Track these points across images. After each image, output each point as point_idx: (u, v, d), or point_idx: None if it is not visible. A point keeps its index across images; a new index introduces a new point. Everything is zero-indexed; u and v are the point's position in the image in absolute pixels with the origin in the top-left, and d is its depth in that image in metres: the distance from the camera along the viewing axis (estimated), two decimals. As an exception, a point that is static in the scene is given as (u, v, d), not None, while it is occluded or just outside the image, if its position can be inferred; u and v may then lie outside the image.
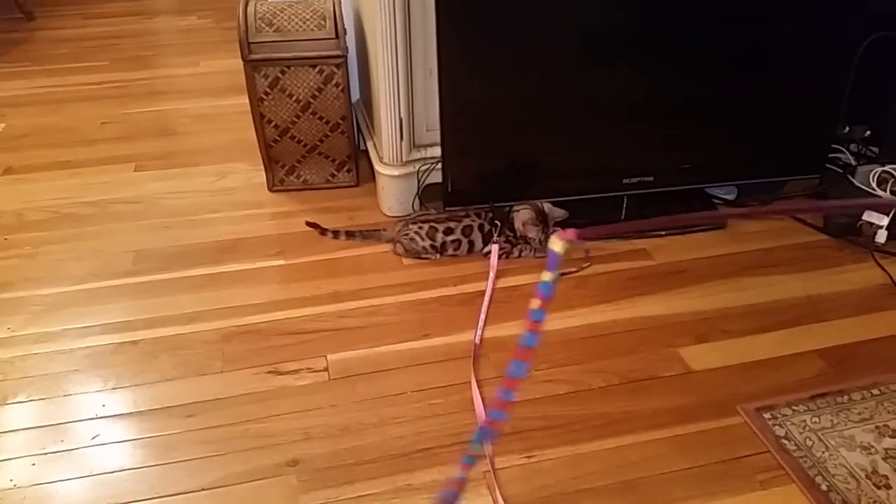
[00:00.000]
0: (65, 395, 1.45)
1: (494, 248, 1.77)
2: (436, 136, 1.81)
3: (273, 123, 2.01)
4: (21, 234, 1.94)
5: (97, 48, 3.18)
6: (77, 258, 1.84)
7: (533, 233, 1.76)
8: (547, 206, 1.79)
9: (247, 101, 1.98)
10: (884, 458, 1.25)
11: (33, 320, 1.64)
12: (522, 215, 1.77)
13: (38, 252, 1.87)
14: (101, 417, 1.40)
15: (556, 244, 0.69)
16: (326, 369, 1.50)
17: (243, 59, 1.92)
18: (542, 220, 1.77)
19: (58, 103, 2.68)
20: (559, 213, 1.79)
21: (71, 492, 1.26)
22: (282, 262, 1.82)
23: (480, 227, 1.81)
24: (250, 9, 1.93)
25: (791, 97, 1.83)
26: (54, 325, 1.62)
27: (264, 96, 1.96)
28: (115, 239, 1.91)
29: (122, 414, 1.41)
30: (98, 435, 1.37)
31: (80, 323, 1.63)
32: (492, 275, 1.72)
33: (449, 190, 1.82)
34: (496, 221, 1.80)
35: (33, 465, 1.31)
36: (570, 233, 0.69)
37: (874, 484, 1.21)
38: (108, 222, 1.99)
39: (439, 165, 1.85)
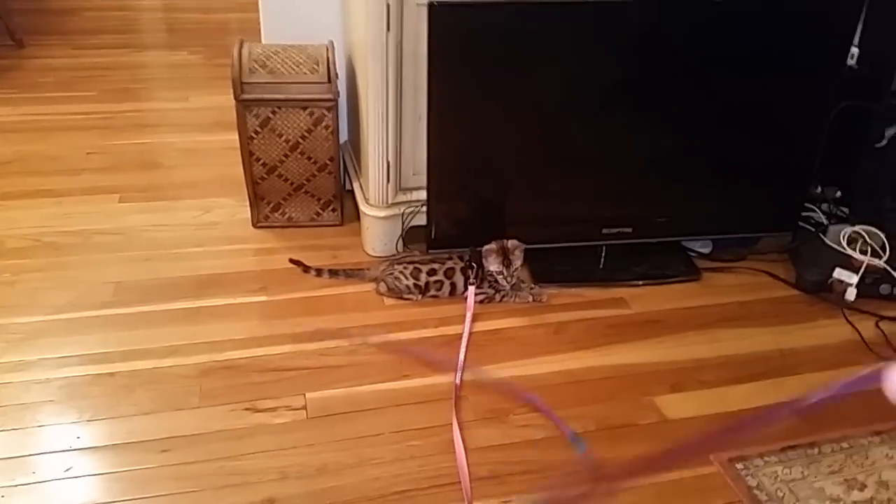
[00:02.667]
0: (38, 426, 1.44)
1: (471, 290, 1.79)
2: (422, 179, 1.84)
3: (261, 161, 2.03)
4: (1, 262, 1.92)
5: (86, 78, 3.19)
6: (56, 287, 1.83)
7: (494, 265, 1.79)
8: (510, 242, 1.81)
9: (234, 137, 2.00)
10: (852, 512, 1.28)
11: (9, 349, 1.62)
12: (486, 251, 1.80)
13: (18, 280, 1.86)
14: (74, 450, 1.39)
15: None
16: (305, 408, 1.50)
17: (235, 99, 1.94)
18: (502, 252, 1.79)
19: (44, 132, 2.68)
20: (512, 244, 1.80)
21: (40, 525, 1.24)
22: (264, 298, 1.83)
23: (463, 270, 1.83)
24: (245, 50, 1.97)
25: (766, 157, 1.89)
26: (31, 355, 1.61)
27: (254, 135, 1.99)
28: (96, 270, 1.91)
29: (97, 447, 1.40)
30: (71, 468, 1.35)
31: (57, 353, 1.61)
32: (468, 316, 1.74)
33: (433, 233, 1.85)
34: (473, 264, 1.83)
35: (2, 497, 1.28)
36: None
37: (843, 537, 1.23)
38: (89, 253, 1.98)
39: (424, 208, 1.88)
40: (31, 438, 1.41)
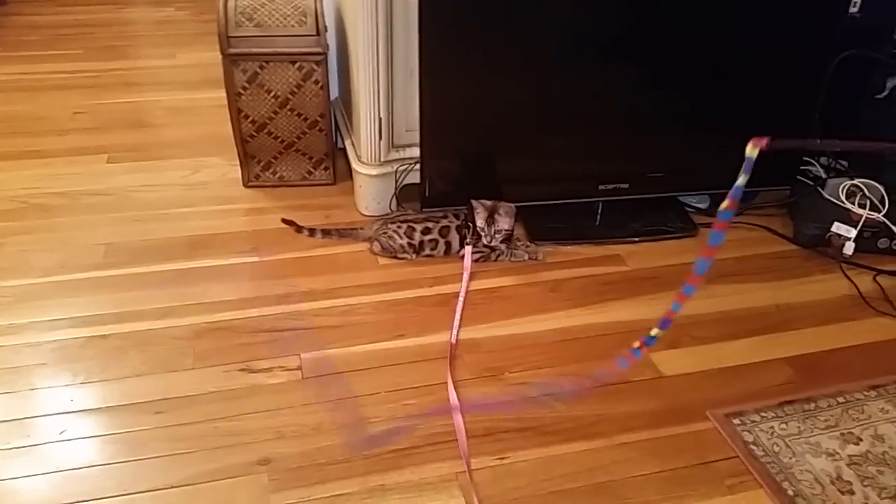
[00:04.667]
0: (31, 389, 1.43)
1: (468, 249, 1.77)
2: (415, 136, 1.81)
3: (250, 119, 1.99)
4: (-12, 224, 1.90)
5: (71, 36, 3.12)
6: (46, 250, 1.81)
7: (479, 220, 1.77)
8: (499, 203, 1.79)
9: (223, 94, 1.96)
10: (848, 465, 1.28)
11: (0, 312, 1.60)
12: (475, 205, 1.78)
13: (6, 242, 1.83)
14: (68, 412, 1.38)
15: (751, 149, 0.78)
16: (300, 368, 1.49)
17: (222, 53, 1.90)
18: (490, 210, 1.77)
19: (29, 91, 2.63)
20: (501, 204, 1.78)
21: (37, 488, 1.24)
22: (256, 258, 1.81)
23: (458, 229, 1.81)
24: (230, 3, 1.91)
25: (764, 109, 1.86)
26: (21, 318, 1.59)
27: (242, 91, 1.95)
28: (86, 231, 1.88)
29: (91, 409, 1.39)
30: (65, 430, 1.34)
31: (48, 316, 1.60)
32: (465, 276, 1.73)
33: (426, 191, 1.82)
34: (469, 223, 1.81)
35: (-2, 459, 1.28)
36: (763, 140, 0.77)
37: (839, 489, 1.23)
38: (78, 214, 1.96)
39: (418, 166, 1.85)
40: (25, 402, 1.40)
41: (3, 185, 2.06)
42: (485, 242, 1.78)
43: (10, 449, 1.30)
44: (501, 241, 1.78)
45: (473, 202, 1.78)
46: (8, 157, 2.21)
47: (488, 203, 1.77)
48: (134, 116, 2.50)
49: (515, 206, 1.80)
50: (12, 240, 1.84)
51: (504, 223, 1.77)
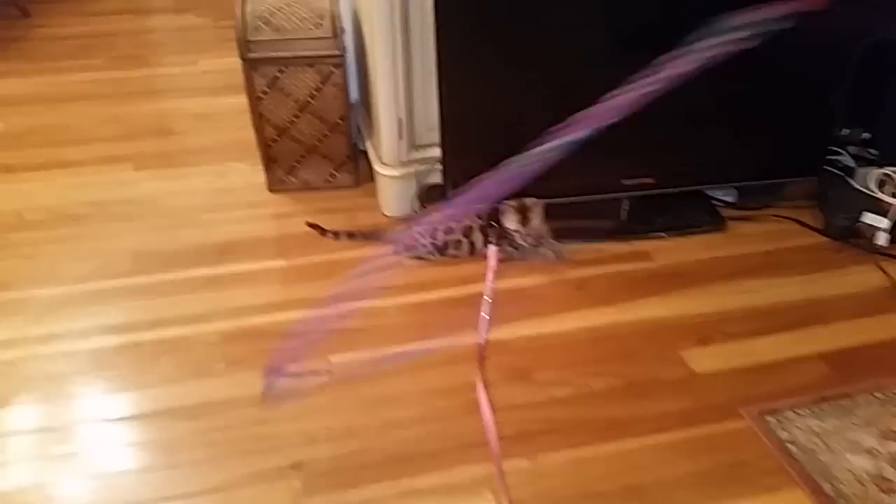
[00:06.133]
0: (67, 397, 1.45)
1: (492, 249, 1.77)
2: (436, 135, 1.81)
3: (272, 123, 2.00)
4: (20, 234, 1.92)
5: (94, 46, 3.15)
6: (77, 258, 1.83)
7: (511, 223, 1.76)
8: (528, 200, 1.78)
9: (245, 99, 1.97)
10: (889, 463, 1.26)
11: (34, 321, 1.63)
12: (504, 208, 1.77)
13: (38, 252, 1.86)
14: (104, 419, 1.40)
15: None
16: (329, 371, 1.49)
17: (241, 58, 1.91)
18: (520, 209, 1.76)
19: (55, 102, 2.66)
20: (530, 202, 1.77)
21: (76, 495, 1.26)
22: (283, 263, 1.82)
23: (481, 229, 1.81)
24: (248, 7, 1.92)
25: (790, 99, 1.83)
26: (55, 326, 1.61)
27: (262, 95, 1.96)
28: (115, 239, 1.90)
29: (125, 416, 1.41)
30: (101, 437, 1.36)
31: (81, 324, 1.62)
32: (490, 276, 1.72)
33: (449, 191, 1.82)
34: (493, 223, 1.80)
35: (38, 468, 1.30)
36: None
37: (880, 489, 1.21)
38: (107, 222, 1.98)
39: (439, 166, 1.85)
40: (63, 409, 1.42)
41: (33, 196, 2.09)
42: (521, 242, 1.77)
43: (49, 456, 1.32)
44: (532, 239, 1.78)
45: (502, 205, 1.77)
46: (37, 167, 2.23)
47: (515, 202, 1.77)
48: (158, 124, 2.52)
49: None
50: (44, 249, 1.87)
51: (537, 217, 1.76)
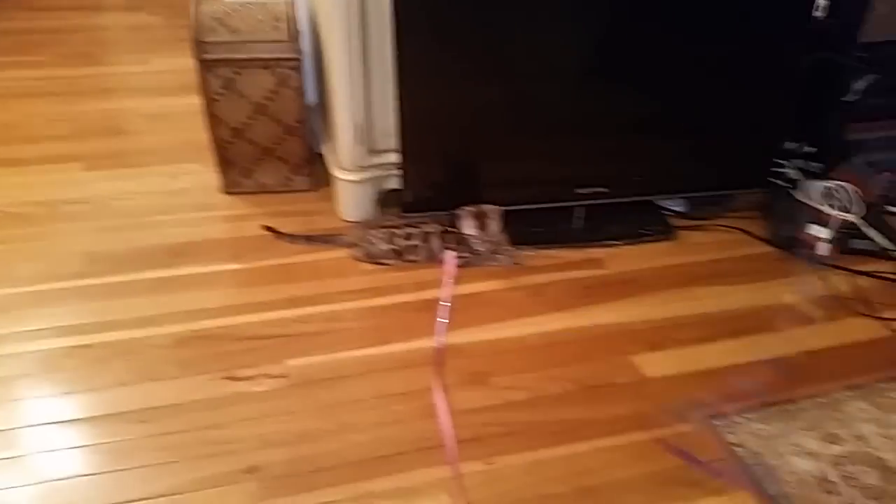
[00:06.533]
0: (15, 400, 1.41)
1: (450, 254, 1.78)
2: (394, 141, 1.81)
3: (227, 125, 1.98)
4: (-36, 234, 1.87)
5: (42, 42, 3.08)
6: (25, 259, 1.78)
7: (469, 228, 1.78)
8: (486, 206, 1.80)
9: (199, 100, 1.95)
10: (831, 465, 1.31)
11: (-22, 323, 1.58)
12: (462, 214, 1.79)
13: (-17, 252, 1.81)
14: (52, 423, 1.36)
15: None
16: (284, 375, 1.49)
17: (196, 59, 1.88)
18: (478, 215, 1.78)
19: (1, 98, 2.58)
20: (488, 208, 1.79)
21: (22, 499, 1.22)
22: (237, 266, 1.80)
23: (439, 234, 1.82)
24: (203, 7, 1.89)
25: (737, 113, 1.89)
26: (2, 328, 1.57)
27: (217, 97, 1.93)
28: (65, 240, 1.86)
29: (75, 419, 1.37)
30: (50, 441, 1.33)
31: (29, 326, 1.58)
32: (447, 281, 1.74)
33: (408, 196, 1.83)
34: (450, 228, 1.81)
35: (-19, 472, 1.26)
36: None
37: (824, 490, 1.26)
38: (56, 223, 1.93)
39: (397, 171, 1.85)
40: (9, 413, 1.38)
41: (-24, 195, 2.03)
42: (478, 248, 1.79)
43: (-6, 461, 1.28)
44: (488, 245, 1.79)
45: (459, 211, 1.78)
46: (-19, 165, 2.17)
47: (473, 209, 1.78)
48: (110, 123, 2.47)
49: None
50: (-11, 249, 1.82)
51: (494, 223, 1.78)
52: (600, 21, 1.73)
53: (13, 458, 1.30)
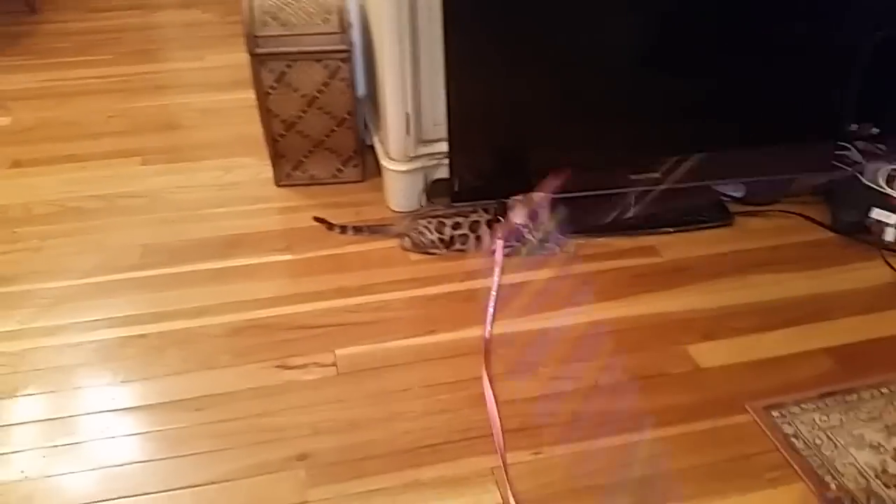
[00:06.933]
0: (74, 388, 1.45)
1: (499, 243, 1.77)
2: (443, 131, 1.81)
3: (279, 118, 2.00)
4: (27, 228, 1.93)
5: (101, 42, 3.17)
6: (84, 252, 1.84)
7: (520, 218, 1.76)
8: (536, 195, 1.78)
9: (252, 95, 1.98)
10: (893, 458, 1.25)
11: (41, 313, 1.64)
12: (512, 203, 1.77)
13: (45, 246, 1.87)
14: (110, 410, 1.41)
15: None
16: (334, 364, 1.50)
17: (249, 54, 1.91)
18: (529, 205, 1.76)
19: (63, 97, 2.67)
20: (539, 198, 1.77)
21: (81, 485, 1.27)
22: (289, 256, 1.82)
23: (488, 223, 1.81)
24: (255, 2, 1.92)
25: (800, 94, 1.83)
26: (62, 319, 1.62)
27: (270, 91, 1.96)
28: (122, 233, 1.91)
29: (132, 407, 1.41)
30: (108, 428, 1.37)
31: (87, 316, 1.63)
32: (497, 270, 1.72)
33: (456, 186, 1.82)
34: (500, 217, 1.80)
35: (43, 457, 1.31)
36: None
37: (884, 483, 1.21)
38: (114, 216, 1.99)
39: (446, 161, 1.85)
40: (69, 400, 1.43)
41: (40, 190, 2.10)
42: (528, 237, 1.77)
43: (55, 447, 1.33)
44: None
45: (511, 200, 1.77)
46: (44, 161, 2.25)
47: (523, 198, 1.77)
48: (165, 119, 2.53)
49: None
50: (51, 243, 1.88)
51: (545, 215, 1.77)
52: (657, 3, 1.69)
53: (73, 444, 1.34)
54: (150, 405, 1.41)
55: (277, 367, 1.49)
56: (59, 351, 1.54)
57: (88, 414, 1.40)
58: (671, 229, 1.88)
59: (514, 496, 1.22)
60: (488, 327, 1.57)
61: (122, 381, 1.47)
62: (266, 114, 2.00)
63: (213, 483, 1.26)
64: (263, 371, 1.48)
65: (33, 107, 2.60)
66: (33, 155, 2.28)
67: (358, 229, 1.87)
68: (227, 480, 1.27)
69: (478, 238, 1.80)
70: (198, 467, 1.29)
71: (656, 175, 1.86)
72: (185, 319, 1.61)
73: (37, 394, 1.44)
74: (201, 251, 1.83)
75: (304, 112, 2.00)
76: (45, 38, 3.22)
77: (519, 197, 1.77)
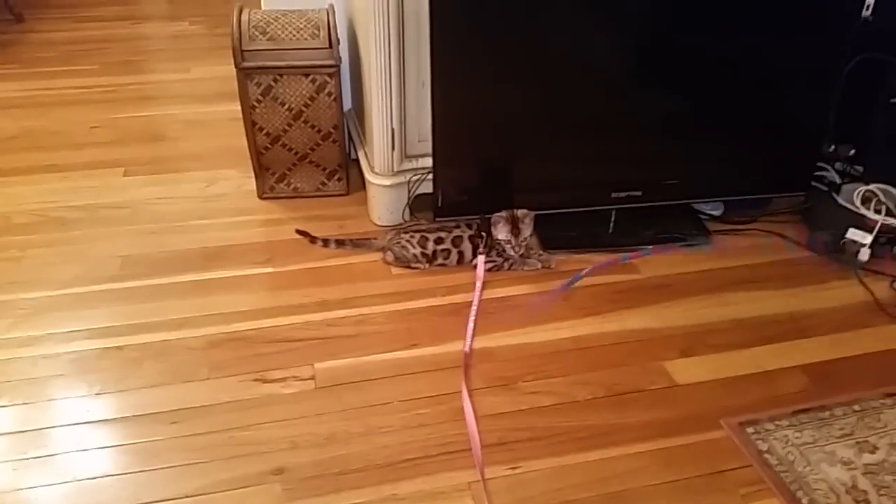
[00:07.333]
0: (48, 400, 1.44)
1: (480, 259, 1.77)
2: (427, 146, 1.82)
3: (265, 131, 2.01)
4: (7, 237, 1.92)
5: (87, 52, 3.17)
6: (63, 262, 1.83)
7: (503, 234, 1.77)
8: (519, 211, 1.79)
9: (237, 107, 1.98)
10: (863, 474, 1.27)
11: (18, 324, 1.63)
12: (495, 219, 1.79)
13: (24, 255, 1.86)
14: (84, 423, 1.39)
15: None
16: (313, 378, 1.50)
17: (236, 67, 1.92)
18: (511, 220, 1.78)
19: (46, 106, 2.67)
20: (521, 213, 1.79)
21: (52, 498, 1.25)
22: (270, 269, 1.82)
23: (470, 238, 1.82)
24: (244, 17, 1.94)
25: (778, 115, 1.86)
26: (39, 330, 1.61)
27: (256, 104, 1.97)
28: (103, 243, 1.90)
29: (106, 420, 1.40)
30: (82, 441, 1.36)
31: (65, 327, 1.62)
32: (478, 285, 1.73)
33: (439, 201, 1.83)
34: (482, 233, 1.81)
35: (14, 469, 1.30)
36: None
37: (854, 499, 1.22)
38: (95, 227, 1.98)
39: (430, 176, 1.86)
40: (42, 412, 1.41)
41: (21, 199, 2.09)
42: (511, 253, 1.78)
43: (27, 459, 1.32)
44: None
45: (494, 216, 1.78)
46: (26, 171, 2.24)
47: (506, 213, 1.78)
48: (150, 130, 2.53)
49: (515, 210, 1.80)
50: (31, 252, 1.87)
51: (528, 230, 1.78)
52: (636, 23, 1.72)
53: (45, 456, 1.33)
54: (124, 418, 1.40)
55: (256, 380, 1.49)
56: (34, 362, 1.53)
57: (62, 426, 1.39)
58: (650, 246, 1.90)
59: (490, 511, 1.23)
60: (468, 342, 1.58)
61: (97, 393, 1.46)
62: (251, 127, 2.00)
63: (186, 497, 1.25)
64: (241, 384, 1.48)
65: (16, 115, 2.59)
66: (14, 164, 2.27)
67: (340, 243, 1.88)
68: (202, 494, 1.26)
69: (460, 253, 1.81)
70: (172, 481, 1.28)
71: (637, 193, 1.88)
72: (163, 331, 1.61)
73: (10, 405, 1.43)
74: (182, 263, 1.83)
75: (289, 126, 2.01)
76: (31, 48, 3.22)
77: (502, 213, 1.78)
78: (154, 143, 2.45)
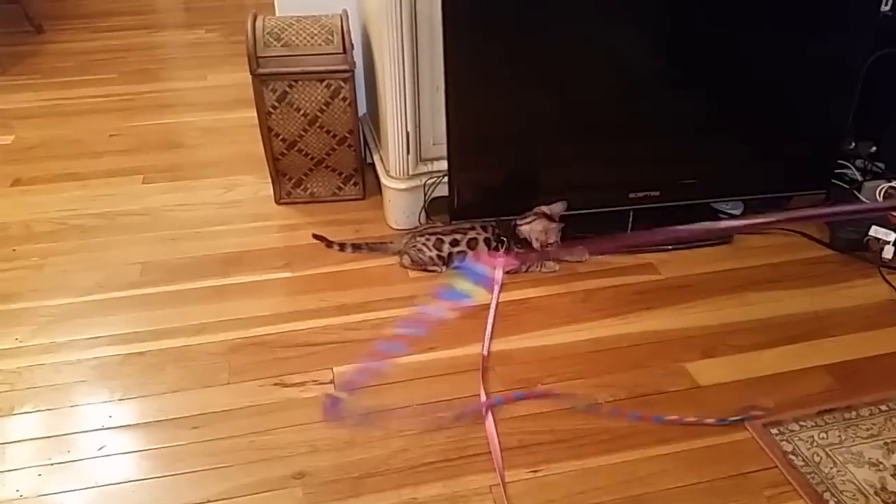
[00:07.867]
0: (71, 406, 1.45)
1: (499, 260, 1.77)
2: (442, 149, 1.82)
3: (281, 137, 2.02)
4: (29, 245, 1.94)
5: (105, 61, 3.20)
6: (84, 269, 1.85)
7: (554, 237, 1.77)
8: (548, 208, 1.79)
9: (254, 114, 1.99)
10: (893, 475, 1.25)
11: (40, 331, 1.64)
12: (536, 227, 1.78)
13: (46, 263, 1.87)
14: (107, 428, 1.40)
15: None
16: (332, 382, 1.50)
17: (251, 73, 1.93)
18: (545, 216, 1.77)
19: (66, 116, 2.70)
20: (559, 208, 1.78)
21: (76, 503, 1.26)
22: (288, 274, 1.83)
23: (486, 241, 1.81)
24: (259, 23, 1.95)
25: (797, 113, 1.84)
26: (61, 336, 1.62)
27: (272, 110, 1.98)
28: (123, 250, 1.92)
29: (129, 425, 1.41)
30: (104, 446, 1.36)
31: (87, 334, 1.63)
32: (496, 287, 1.72)
33: (455, 203, 1.83)
34: (502, 237, 1.81)
35: (39, 475, 1.31)
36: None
37: (883, 501, 1.20)
38: (115, 234, 1.99)
39: (445, 179, 1.85)
40: (65, 418, 1.43)
41: (42, 208, 2.11)
42: (536, 247, 1.78)
43: (51, 465, 1.32)
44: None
45: (537, 209, 1.78)
46: (46, 180, 2.26)
47: (545, 208, 1.77)
48: (168, 137, 2.55)
49: (540, 209, 1.80)
50: (52, 260, 1.88)
51: (557, 208, 1.78)
52: (653, 22, 1.71)
53: (69, 462, 1.34)
54: (147, 423, 1.41)
55: (276, 384, 1.49)
56: (57, 369, 1.54)
57: (85, 432, 1.40)
58: (669, 247, 1.88)
59: (511, 514, 1.22)
60: (486, 344, 1.57)
61: (119, 399, 1.46)
62: (267, 133, 2.01)
63: (209, 501, 1.26)
64: (261, 389, 1.48)
65: (36, 125, 2.62)
66: (35, 173, 2.30)
67: (357, 247, 1.88)
68: (224, 499, 1.26)
69: (477, 255, 1.81)
70: (194, 486, 1.28)
71: (655, 193, 1.87)
72: (183, 337, 1.62)
73: (33, 412, 1.44)
74: (201, 269, 1.84)
75: (305, 131, 2.01)
76: (50, 58, 3.25)
77: (540, 207, 1.78)
78: (172, 150, 2.47)
